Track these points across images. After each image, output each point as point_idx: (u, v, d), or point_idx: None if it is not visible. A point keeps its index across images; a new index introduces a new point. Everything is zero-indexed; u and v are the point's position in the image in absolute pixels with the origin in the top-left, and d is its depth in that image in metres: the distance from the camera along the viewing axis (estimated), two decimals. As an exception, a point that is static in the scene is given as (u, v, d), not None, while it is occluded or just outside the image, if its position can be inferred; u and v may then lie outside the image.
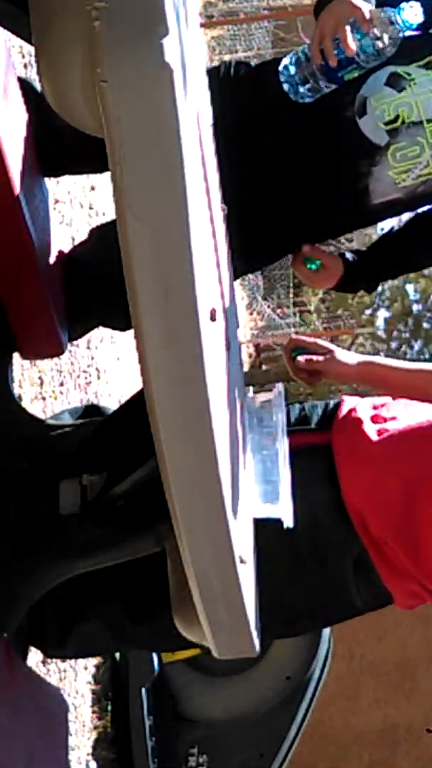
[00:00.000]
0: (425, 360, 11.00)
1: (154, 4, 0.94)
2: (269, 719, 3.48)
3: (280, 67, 1.94)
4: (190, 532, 1.18)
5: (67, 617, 2.00)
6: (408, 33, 1.89)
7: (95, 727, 3.38)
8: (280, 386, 1.78)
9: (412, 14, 1.87)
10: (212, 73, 1.98)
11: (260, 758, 3.49)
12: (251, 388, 1.85)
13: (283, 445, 1.68)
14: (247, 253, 2.01)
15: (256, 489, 1.61)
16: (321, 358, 1.90)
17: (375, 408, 1.85)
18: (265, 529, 1.61)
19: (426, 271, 10.31)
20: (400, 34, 1.86)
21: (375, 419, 1.82)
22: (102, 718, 3.44)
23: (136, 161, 0.96)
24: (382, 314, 10.82)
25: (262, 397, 1.78)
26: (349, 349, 10.41)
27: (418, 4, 1.88)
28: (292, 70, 1.92)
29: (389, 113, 1.93)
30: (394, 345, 10.90)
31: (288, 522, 1.62)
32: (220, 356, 1.27)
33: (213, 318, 1.16)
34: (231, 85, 2.01)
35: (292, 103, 1.96)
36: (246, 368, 8.60)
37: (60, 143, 1.90)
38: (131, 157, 0.96)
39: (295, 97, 1.92)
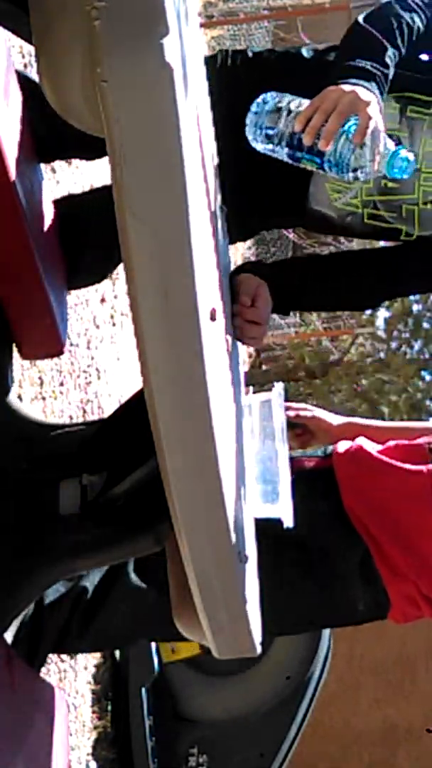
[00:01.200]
0: (424, 360, 10.99)
1: (154, 4, 0.94)
2: (269, 719, 3.48)
3: (259, 98, 1.68)
4: (190, 532, 1.18)
5: (92, 606, 2.05)
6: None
7: (95, 727, 3.38)
8: (279, 386, 1.79)
9: (402, 165, 1.59)
10: (209, 62, 1.88)
11: (260, 758, 3.49)
12: (251, 388, 1.86)
13: (282, 445, 1.69)
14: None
15: (256, 489, 1.61)
16: (309, 414, 2.14)
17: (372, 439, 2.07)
18: (276, 537, 1.70)
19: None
20: (381, 173, 1.61)
21: (376, 442, 2.04)
22: (102, 718, 3.44)
23: (137, 161, 0.96)
24: (382, 314, 10.80)
25: (262, 397, 1.78)
26: (348, 349, 10.40)
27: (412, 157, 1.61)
28: (268, 105, 1.65)
29: None
30: (394, 345, 10.88)
31: (288, 522, 1.63)
32: (220, 356, 1.27)
33: (213, 318, 1.16)
34: (228, 76, 1.96)
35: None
36: (246, 368, 8.61)
37: (59, 134, 1.89)
38: (131, 157, 0.96)
39: (250, 134, 1.68)
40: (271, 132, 1.64)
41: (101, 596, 2.10)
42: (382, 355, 10.84)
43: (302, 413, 2.14)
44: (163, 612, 2.02)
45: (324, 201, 1.94)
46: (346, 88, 1.59)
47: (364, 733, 5.18)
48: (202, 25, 7.44)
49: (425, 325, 10.60)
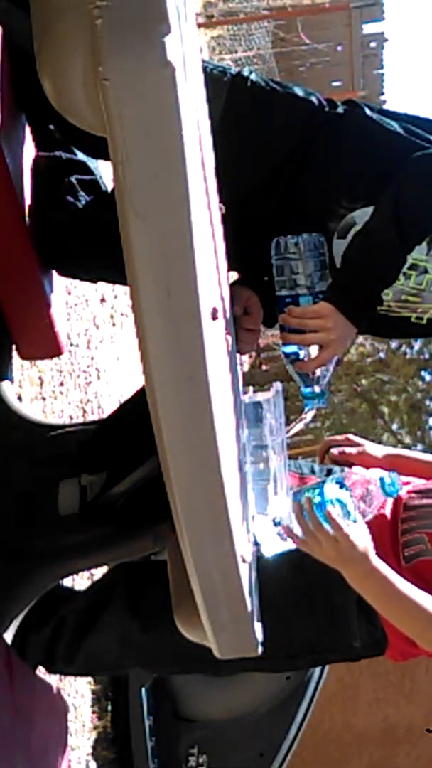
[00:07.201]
0: (424, 360, 10.99)
1: (156, 3, 0.94)
2: (269, 719, 3.48)
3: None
4: (192, 532, 1.18)
5: (79, 631, 2.04)
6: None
7: (95, 727, 3.38)
8: (278, 386, 1.79)
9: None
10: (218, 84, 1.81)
11: (260, 758, 3.49)
12: (251, 388, 1.86)
13: (281, 445, 1.68)
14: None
15: (255, 488, 1.61)
16: (353, 450, 2.09)
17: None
18: (276, 563, 1.68)
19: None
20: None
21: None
22: (102, 718, 3.44)
23: (138, 159, 0.96)
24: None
25: (262, 396, 1.78)
26: (348, 349, 10.41)
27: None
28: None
29: None
30: (394, 345, 10.89)
31: (287, 521, 1.62)
32: (221, 355, 1.27)
33: (214, 317, 1.16)
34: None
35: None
36: (246, 368, 8.60)
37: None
38: (133, 156, 0.95)
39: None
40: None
41: (91, 621, 2.08)
42: (382, 355, 10.85)
43: (348, 450, 2.10)
44: (148, 646, 2.02)
45: None
46: (332, 324, 1.72)
47: (364, 733, 5.17)
48: (202, 25, 7.43)
49: (425, 325, 10.58)
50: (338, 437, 2.16)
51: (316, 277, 1.77)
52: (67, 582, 2.74)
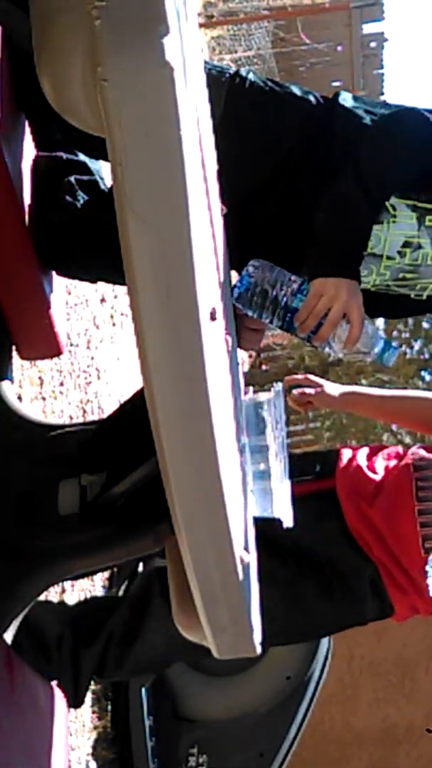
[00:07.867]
0: (424, 361, 11.00)
1: (155, 3, 0.94)
2: (269, 719, 3.48)
3: (249, 275, 1.78)
4: (191, 532, 1.18)
5: (126, 640, 2.24)
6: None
7: (95, 727, 3.37)
8: (278, 386, 1.79)
9: (392, 357, 1.87)
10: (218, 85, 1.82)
11: (260, 758, 3.48)
12: (251, 388, 1.86)
13: (281, 446, 1.68)
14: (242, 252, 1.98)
15: (255, 488, 1.61)
16: (312, 390, 2.27)
17: (368, 458, 2.23)
18: (298, 561, 1.77)
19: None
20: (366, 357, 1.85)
21: (371, 468, 2.20)
22: (102, 718, 3.44)
23: (137, 160, 0.96)
24: (382, 314, 10.77)
25: (261, 396, 1.78)
26: (348, 349, 10.43)
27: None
28: (258, 288, 1.78)
29: None
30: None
31: (288, 522, 1.63)
32: (220, 356, 1.27)
33: (213, 317, 1.16)
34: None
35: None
36: (246, 368, 8.60)
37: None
38: (132, 156, 0.95)
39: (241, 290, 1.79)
40: (261, 307, 1.80)
41: (135, 629, 2.23)
42: (381, 355, 10.81)
43: (307, 390, 2.26)
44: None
45: None
46: (335, 290, 1.72)
47: (364, 733, 5.18)
48: (202, 25, 7.43)
49: (425, 325, 10.61)
50: (298, 376, 2.32)
51: (287, 284, 1.79)
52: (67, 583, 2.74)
